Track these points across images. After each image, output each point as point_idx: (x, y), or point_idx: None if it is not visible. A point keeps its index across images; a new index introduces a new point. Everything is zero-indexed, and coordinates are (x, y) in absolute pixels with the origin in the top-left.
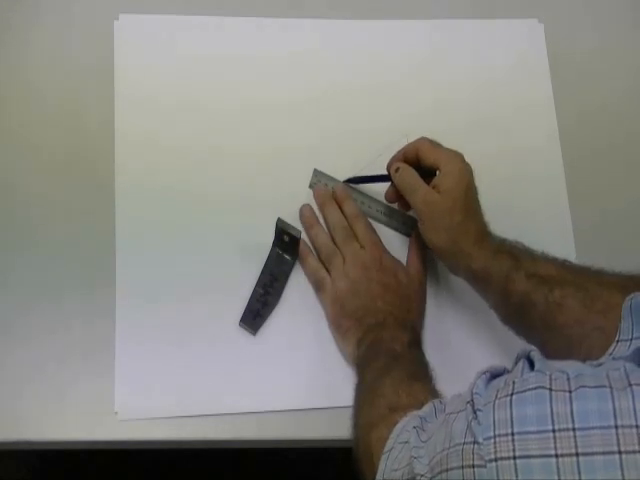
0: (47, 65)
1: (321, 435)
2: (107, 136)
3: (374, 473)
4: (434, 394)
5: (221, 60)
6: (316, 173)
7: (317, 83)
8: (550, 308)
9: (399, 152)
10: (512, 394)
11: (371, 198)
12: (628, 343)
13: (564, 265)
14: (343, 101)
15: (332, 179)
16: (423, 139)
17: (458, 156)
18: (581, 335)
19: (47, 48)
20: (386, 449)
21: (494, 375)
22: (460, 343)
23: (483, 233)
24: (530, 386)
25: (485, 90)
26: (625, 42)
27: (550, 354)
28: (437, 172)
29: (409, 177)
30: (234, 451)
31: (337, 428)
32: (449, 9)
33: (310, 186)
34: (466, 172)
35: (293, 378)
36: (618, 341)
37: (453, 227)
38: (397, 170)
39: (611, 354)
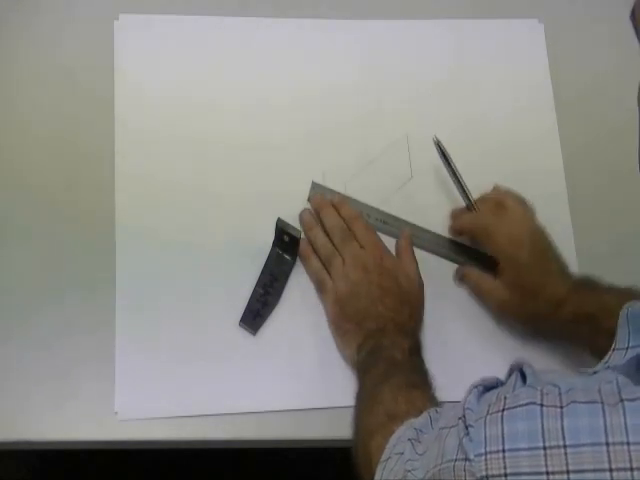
0: (47, 65)
1: (321, 435)
2: (107, 135)
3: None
4: (433, 402)
5: (221, 60)
6: (314, 186)
7: (318, 83)
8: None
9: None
10: (503, 410)
11: (368, 206)
12: (624, 352)
13: None
14: (344, 101)
15: (330, 191)
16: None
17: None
18: None
19: (47, 48)
20: (382, 459)
21: (487, 388)
22: (458, 347)
23: (557, 306)
24: (521, 402)
25: (485, 90)
26: (625, 42)
27: None
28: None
29: (474, 279)
30: (234, 451)
31: (337, 428)
32: (449, 9)
33: (308, 199)
34: (520, 255)
35: (293, 378)
36: (614, 349)
37: (528, 316)
38: (462, 278)
39: (606, 362)
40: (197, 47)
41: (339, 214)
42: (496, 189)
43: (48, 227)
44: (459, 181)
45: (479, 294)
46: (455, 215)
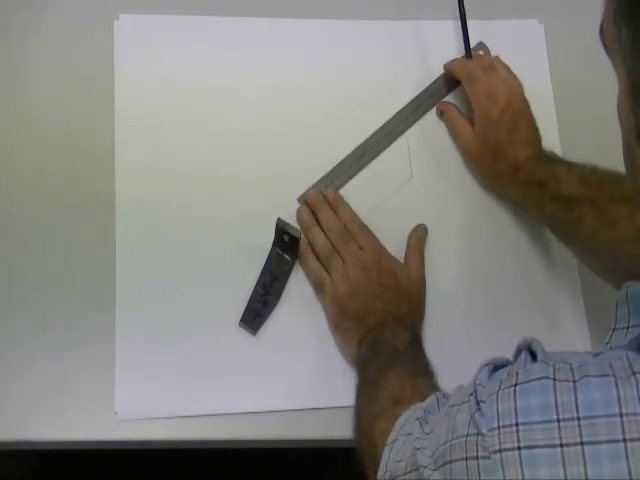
0: (47, 65)
1: (321, 435)
2: (107, 134)
3: (377, 465)
4: (437, 389)
5: (221, 60)
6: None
7: (319, 82)
8: (572, 226)
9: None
10: (516, 385)
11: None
12: (625, 331)
13: (583, 179)
14: (345, 100)
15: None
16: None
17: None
18: (595, 246)
19: (47, 48)
20: (389, 441)
21: (497, 366)
22: (459, 343)
23: (514, 169)
24: (534, 376)
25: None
26: None
27: (581, 260)
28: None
29: (451, 117)
30: (234, 451)
31: (337, 428)
32: (449, 10)
33: (298, 200)
34: (493, 109)
35: (293, 378)
36: (614, 329)
37: (488, 171)
38: (442, 113)
39: (608, 343)
40: (197, 47)
41: (336, 214)
42: (497, 57)
43: (48, 226)
44: (465, 26)
45: (452, 133)
46: (452, 59)
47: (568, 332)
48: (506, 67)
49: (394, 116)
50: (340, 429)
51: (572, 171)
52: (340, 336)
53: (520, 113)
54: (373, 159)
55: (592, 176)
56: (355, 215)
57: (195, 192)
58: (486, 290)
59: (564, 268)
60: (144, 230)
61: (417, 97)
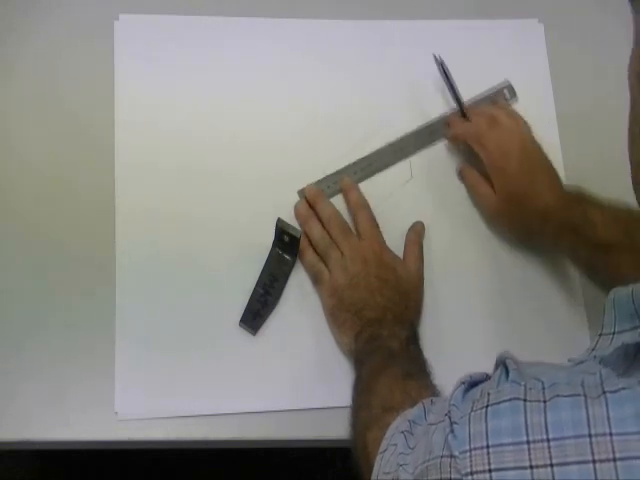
0: (47, 65)
1: (321, 435)
2: (107, 135)
3: (371, 473)
4: (430, 390)
5: (221, 60)
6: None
7: (319, 83)
8: (610, 272)
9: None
10: (487, 406)
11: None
12: (610, 337)
13: (618, 221)
14: (345, 101)
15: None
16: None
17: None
18: None
19: (47, 48)
20: (380, 450)
21: (473, 384)
22: (457, 339)
23: (543, 216)
24: (505, 398)
25: (485, 90)
26: (626, 41)
27: None
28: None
29: (471, 182)
30: (234, 451)
31: (337, 428)
32: (449, 9)
33: (298, 193)
34: (509, 164)
35: (293, 378)
36: (601, 335)
37: (517, 226)
38: (462, 177)
39: (594, 349)
40: (197, 47)
41: (346, 198)
42: (493, 104)
43: (48, 227)
44: (454, 91)
45: (474, 196)
46: (451, 122)
47: (568, 333)
48: (508, 113)
49: (407, 135)
50: (340, 429)
51: (606, 213)
52: (338, 328)
53: (536, 159)
54: (377, 172)
55: (627, 217)
56: (366, 204)
57: (195, 192)
58: (485, 290)
59: (565, 269)
60: (144, 230)
61: (433, 122)
